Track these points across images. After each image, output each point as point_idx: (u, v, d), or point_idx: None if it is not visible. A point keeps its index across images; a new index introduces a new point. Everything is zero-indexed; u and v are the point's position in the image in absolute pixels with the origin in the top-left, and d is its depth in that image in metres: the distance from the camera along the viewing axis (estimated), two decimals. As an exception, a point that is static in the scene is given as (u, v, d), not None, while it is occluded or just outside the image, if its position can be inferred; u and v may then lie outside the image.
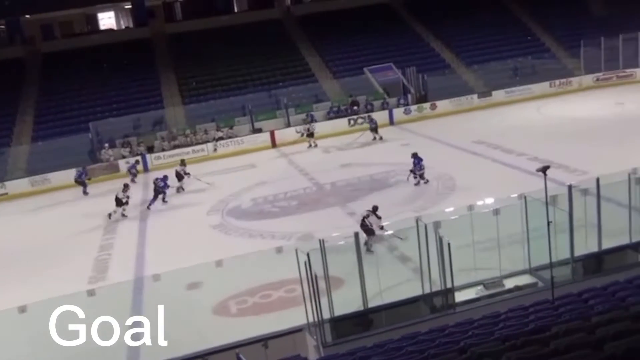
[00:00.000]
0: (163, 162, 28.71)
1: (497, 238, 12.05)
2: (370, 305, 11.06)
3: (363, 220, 15.17)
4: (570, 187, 11.77)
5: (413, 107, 32.44)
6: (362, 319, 10.73)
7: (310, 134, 29.29)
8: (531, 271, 11.68)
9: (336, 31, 37.71)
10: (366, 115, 30.69)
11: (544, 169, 9.59)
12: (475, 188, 19.04)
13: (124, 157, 29.02)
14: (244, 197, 22.03)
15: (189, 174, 23.98)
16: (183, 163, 24.63)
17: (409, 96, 33.33)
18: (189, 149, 29.68)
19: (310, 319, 10.34)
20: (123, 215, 21.19)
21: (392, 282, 12.72)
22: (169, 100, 34.03)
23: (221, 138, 30.31)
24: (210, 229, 19.05)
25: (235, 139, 30.20)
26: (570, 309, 8.32)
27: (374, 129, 28.40)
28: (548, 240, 10.00)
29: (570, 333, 6.51)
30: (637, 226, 12.16)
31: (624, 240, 12.27)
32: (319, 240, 10.70)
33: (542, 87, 33.63)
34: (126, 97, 33.70)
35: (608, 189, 12.45)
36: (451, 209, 16.10)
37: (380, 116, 31.42)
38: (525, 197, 11.87)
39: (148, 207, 21.91)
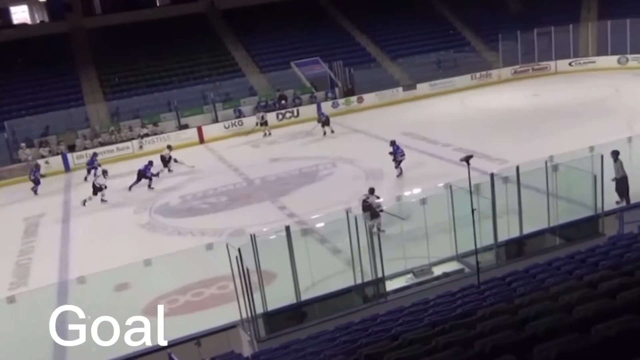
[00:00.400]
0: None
1: (425, 227, 12.36)
2: (304, 298, 11.10)
3: (364, 202, 15.00)
4: (492, 176, 12.21)
5: (340, 101, 32.76)
6: (296, 312, 10.77)
7: (264, 123, 29.38)
8: (458, 258, 12.06)
9: (262, 25, 37.47)
10: (319, 110, 29.63)
11: (467, 159, 9.90)
12: (403, 179, 19.45)
13: (43, 156, 27.78)
14: (172, 195, 21.60)
15: (175, 159, 24.55)
16: (169, 148, 25.21)
17: (336, 90, 33.64)
18: (114, 146, 28.78)
19: (244, 315, 10.28)
20: (103, 200, 21.18)
21: (325, 274, 12.83)
22: (90, 97, 32.82)
23: (146, 135, 29.56)
24: (138, 228, 18.57)
25: (162, 136, 29.51)
26: (494, 292, 8.64)
27: (326, 123, 27.63)
28: (473, 228, 10.32)
29: (495, 315, 6.75)
30: (555, 211, 12.77)
31: (543, 224, 12.86)
32: (250, 235, 10.63)
33: (464, 79, 34.72)
34: (44, 94, 32.19)
35: (527, 177, 13.00)
36: (380, 200, 16.36)
37: (308, 110, 31.55)
38: (450, 187, 12.23)
39: (129, 189, 22.33)
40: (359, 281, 11.25)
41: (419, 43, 37.40)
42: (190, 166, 24.42)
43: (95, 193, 21.10)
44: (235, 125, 30.68)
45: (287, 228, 11.08)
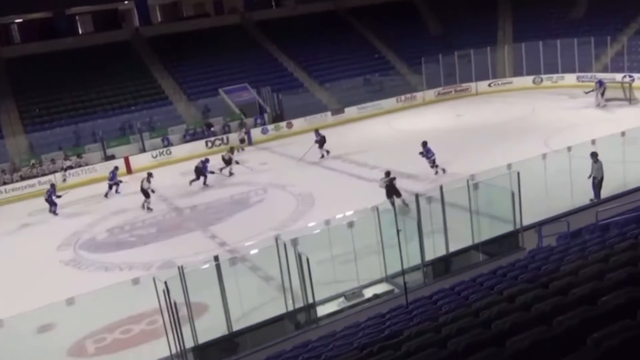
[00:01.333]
0: (7, 197, 26.55)
1: (354, 250, 12.50)
2: (236, 328, 10.98)
3: (391, 182, 16.61)
4: (417, 196, 12.57)
5: (270, 127, 32.85)
6: (228, 344, 10.62)
7: (243, 140, 30.24)
8: (388, 279, 12.26)
9: (189, 52, 37.23)
10: (314, 131, 27.49)
11: (390, 181, 10.11)
12: (333, 202, 19.61)
13: (-42, 194, 26.40)
14: (98, 228, 20.93)
15: (237, 161, 25.76)
16: (231, 150, 26.33)
17: (266, 116, 33.75)
18: (35, 180, 27.66)
19: (173, 350, 10.04)
20: (148, 208, 21.94)
21: (257, 303, 12.73)
22: (9, 129, 31.50)
23: (70, 167, 28.61)
24: (62, 266, 17.85)
25: (86, 167, 28.64)
26: (422, 311, 8.81)
27: (321, 144, 26.29)
28: (399, 248, 10.53)
29: (421, 334, 6.88)
30: (478, 228, 13.22)
31: (467, 242, 13.28)
32: (178, 267, 10.45)
33: (390, 102, 35.60)
34: (-42, 127, 30.75)
35: (451, 195, 13.44)
36: (313, 224, 16.44)
37: (238, 137, 31.49)
38: (377, 208, 12.46)
39: (190, 183, 24.00)
40: (290, 308, 11.23)
41: (346, 68, 38.13)
42: (250, 168, 25.75)
43: (147, 196, 21.94)
44: (164, 155, 30.19)
45: (216, 258, 10.96)
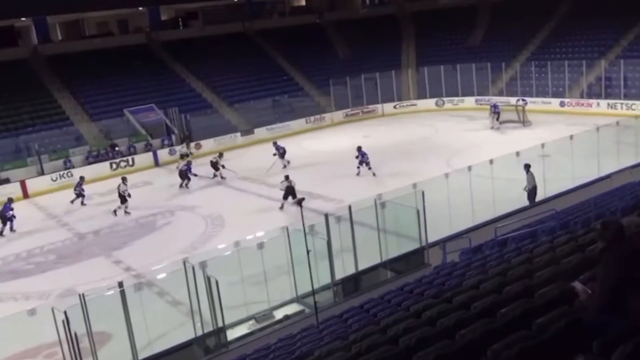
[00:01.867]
0: None
1: (264, 271, 12.41)
2: (141, 357, 10.55)
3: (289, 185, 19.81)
4: (326, 216, 12.67)
5: (178, 148, 32.18)
6: (133, 374, 10.18)
7: (186, 154, 29.64)
8: (298, 299, 12.23)
9: (91, 72, 35.83)
10: (273, 143, 28.57)
11: (299, 202, 10.16)
12: (243, 224, 19.43)
13: None
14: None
15: (223, 165, 26.30)
16: (220, 155, 27.15)
17: (173, 137, 33.05)
18: None
19: (73, 383, 9.50)
20: (126, 212, 22.08)
21: (164, 329, 12.31)
22: None
23: (-40, 192, 26.65)
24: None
25: (-22, 192, 26.76)
26: (332, 330, 8.86)
27: (282, 155, 27.38)
28: (309, 268, 10.55)
29: (331, 353, 6.90)
30: (385, 246, 13.51)
31: (376, 260, 13.53)
32: (80, 295, 9.94)
33: (300, 123, 35.94)
34: None
35: (359, 215, 13.67)
36: (222, 245, 16.19)
37: (145, 158, 30.64)
38: (287, 229, 12.46)
39: (184, 186, 25.31)
40: (199, 333, 10.94)
41: (255, 89, 38.17)
42: (233, 172, 26.31)
43: (124, 201, 22.09)
44: (65, 177, 28.77)
45: (121, 284, 10.53)
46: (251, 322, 11.49)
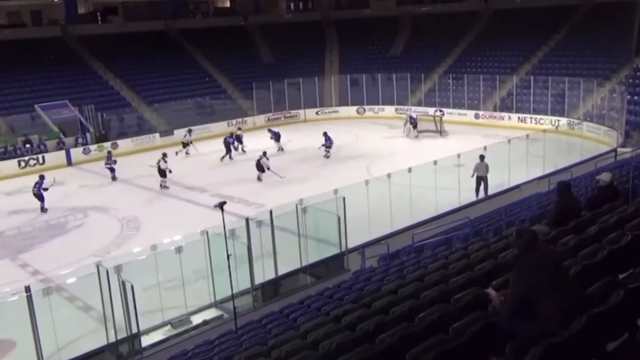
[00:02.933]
0: None
1: (181, 275, 12.14)
2: (49, 365, 10.04)
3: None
4: (247, 220, 12.56)
5: (93, 147, 30.99)
6: (38, 383, 9.66)
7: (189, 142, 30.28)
8: (217, 304, 12.04)
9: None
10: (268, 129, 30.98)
11: (220, 205, 10.00)
12: (161, 227, 18.94)
13: None
14: None
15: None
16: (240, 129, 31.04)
17: (88, 135, 31.77)
18: None
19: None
20: (164, 186, 23.57)
21: (74, 335, 11.78)
22: None
23: None
24: None
25: None
26: (251, 335, 8.77)
27: (277, 139, 29.90)
28: (229, 273, 10.41)
29: (250, 359, 6.84)
30: (306, 251, 13.55)
31: (296, 265, 13.54)
32: (-20, 301, 9.33)
33: (221, 126, 35.44)
34: None
35: (280, 219, 13.65)
36: (138, 249, 15.69)
37: (57, 157, 29.29)
38: (207, 233, 12.24)
39: (221, 159, 28.14)
40: (112, 339, 10.54)
41: (176, 89, 37.37)
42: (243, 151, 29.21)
43: (164, 176, 23.60)
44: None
45: (27, 288, 9.98)
46: (167, 327, 11.20)
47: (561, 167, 21.05)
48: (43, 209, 21.49)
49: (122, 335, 10.60)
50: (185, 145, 29.60)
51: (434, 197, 18.39)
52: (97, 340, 10.84)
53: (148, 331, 10.93)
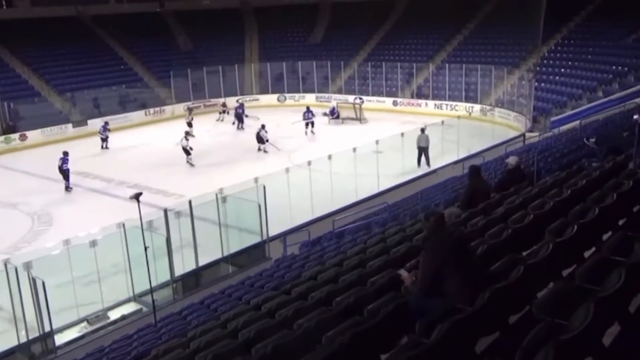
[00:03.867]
0: None
1: (97, 270, 11.77)
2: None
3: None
4: (165, 211, 12.32)
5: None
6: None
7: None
8: (135, 298, 11.77)
9: None
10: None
11: (136, 196, 9.75)
12: (76, 221, 18.22)
13: None
14: None
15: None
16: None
17: (-6, 126, 30.10)
18: None
19: None
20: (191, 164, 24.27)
21: (-18, 338, 11.18)
22: None
23: None
24: None
25: None
26: (171, 328, 8.65)
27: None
28: (147, 266, 10.19)
29: (169, 351, 6.73)
30: (227, 240, 13.45)
31: (217, 255, 13.42)
32: None
33: (138, 115, 34.49)
34: None
35: (200, 209, 13.46)
36: (50, 244, 15.05)
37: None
38: (123, 225, 11.92)
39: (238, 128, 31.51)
40: (23, 339, 10.09)
41: (89, 77, 35.91)
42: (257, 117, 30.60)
43: (188, 154, 24.44)
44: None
45: None
46: (83, 324, 10.84)
47: (474, 152, 21.89)
48: (68, 188, 21.97)
49: (34, 334, 10.16)
50: (190, 124, 29.75)
51: (354, 184, 18.67)
52: (7, 341, 10.34)
53: (62, 329, 10.54)
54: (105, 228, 14.11)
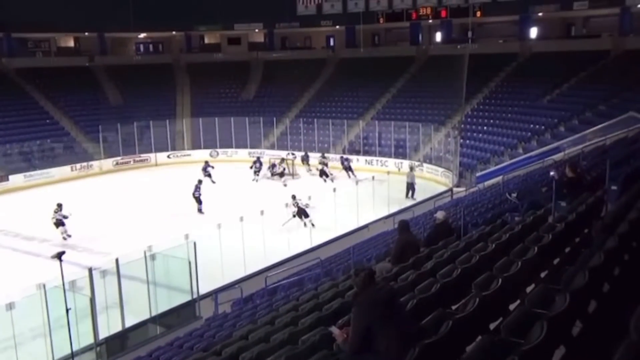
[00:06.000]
0: None
1: (14, 335, 11.07)
2: None
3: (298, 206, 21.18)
4: (90, 270, 11.84)
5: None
6: None
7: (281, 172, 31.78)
8: (55, 364, 11.10)
9: None
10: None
11: (59, 255, 9.34)
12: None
13: None
14: None
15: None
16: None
17: None
18: None
19: None
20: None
21: None
22: None
23: None
24: None
25: None
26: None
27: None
28: (68, 328, 9.67)
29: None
30: (155, 300, 13.00)
31: (145, 315, 12.92)
32: None
33: (63, 170, 33.40)
34: None
35: (128, 268, 13.01)
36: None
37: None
38: (44, 286, 11.35)
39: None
40: None
41: (11, 132, 34.78)
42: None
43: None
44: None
45: None
46: (-4, 395, 10.09)
47: (404, 207, 22.38)
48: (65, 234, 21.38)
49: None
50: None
51: (287, 239, 18.61)
52: None
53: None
54: (25, 289, 13.39)
